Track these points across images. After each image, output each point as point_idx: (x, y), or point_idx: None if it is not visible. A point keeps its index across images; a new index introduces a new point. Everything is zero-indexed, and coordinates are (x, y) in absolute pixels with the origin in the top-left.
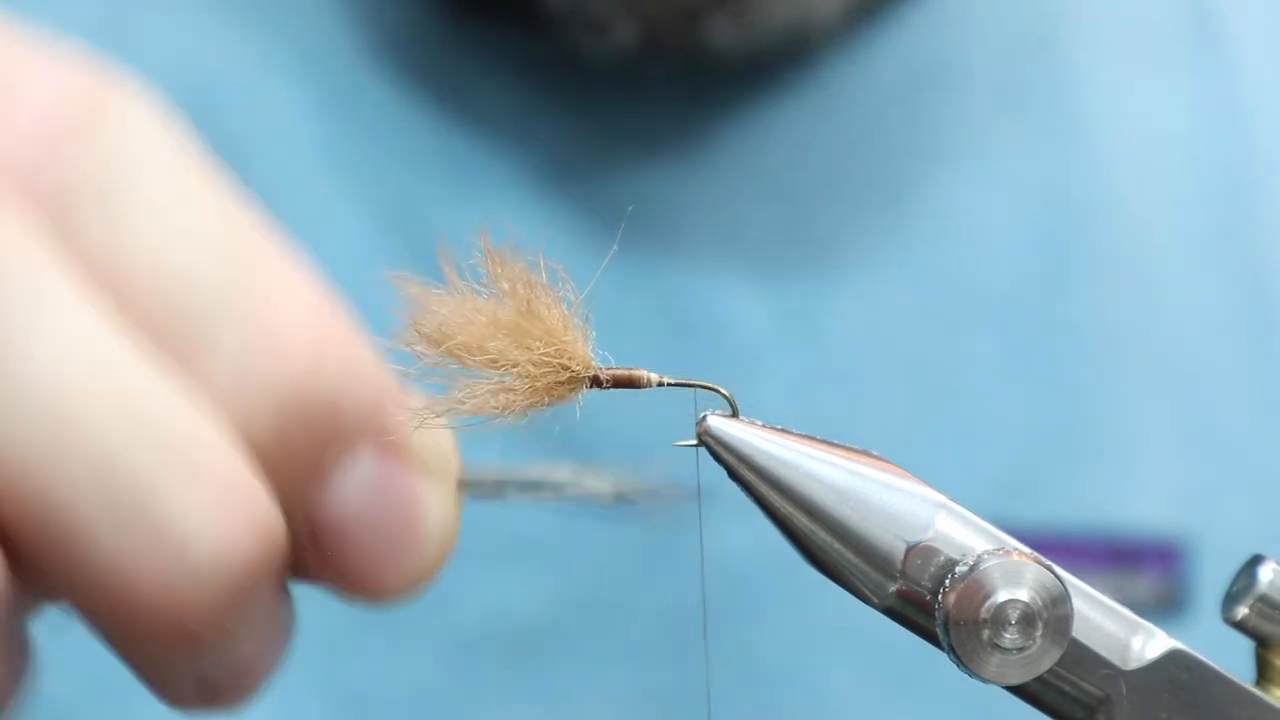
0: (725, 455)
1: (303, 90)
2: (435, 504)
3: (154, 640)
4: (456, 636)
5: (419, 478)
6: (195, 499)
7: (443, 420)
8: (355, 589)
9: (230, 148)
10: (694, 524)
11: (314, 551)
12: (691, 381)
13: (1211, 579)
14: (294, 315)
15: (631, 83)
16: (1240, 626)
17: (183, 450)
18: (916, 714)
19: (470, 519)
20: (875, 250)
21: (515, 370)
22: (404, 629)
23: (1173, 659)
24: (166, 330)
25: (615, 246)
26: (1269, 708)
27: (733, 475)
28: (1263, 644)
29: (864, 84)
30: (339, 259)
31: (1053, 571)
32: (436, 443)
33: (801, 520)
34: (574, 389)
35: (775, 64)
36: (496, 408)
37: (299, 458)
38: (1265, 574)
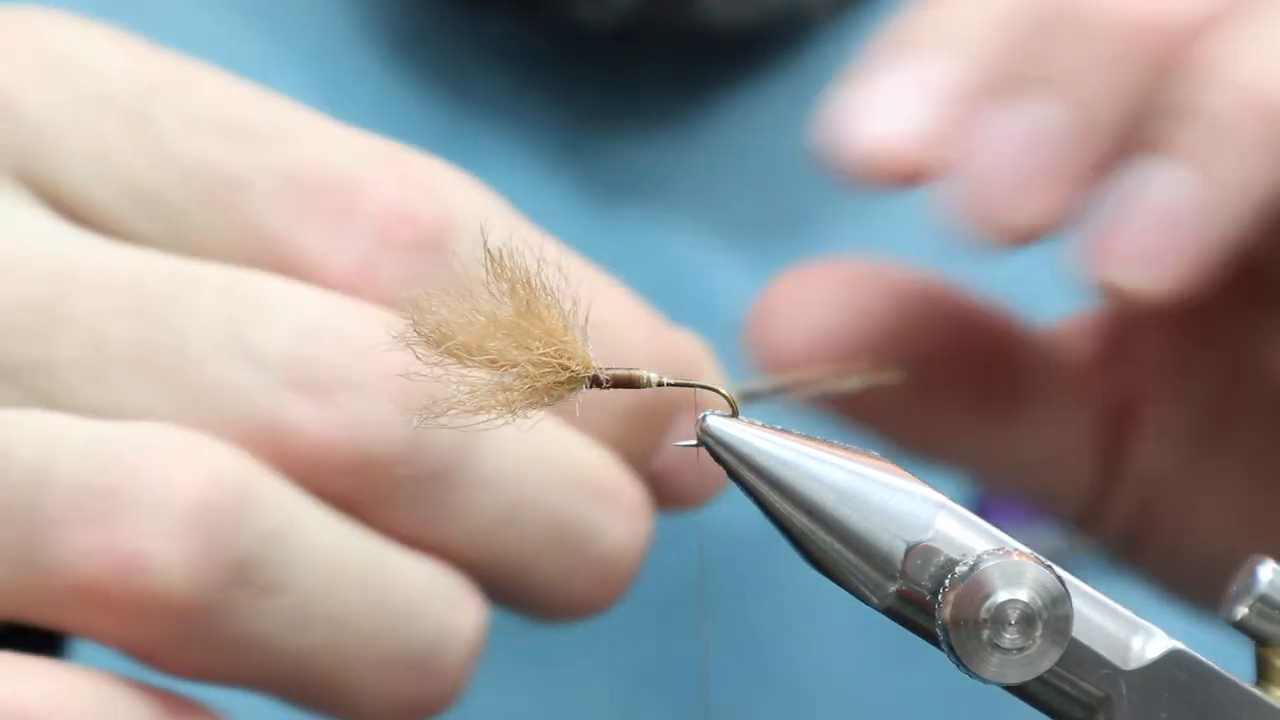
0: (725, 455)
1: (302, 79)
2: None
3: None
4: None
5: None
6: (614, 523)
7: (441, 420)
8: (679, 506)
9: None
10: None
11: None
12: (691, 382)
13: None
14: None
15: (627, 57)
16: (1240, 626)
17: (600, 489)
18: (913, 683)
19: None
20: (859, 229)
21: (515, 370)
22: None
23: (1173, 659)
24: None
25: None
26: (1269, 708)
27: (732, 475)
28: (1263, 644)
29: (844, 59)
30: None
31: (1053, 572)
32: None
33: (801, 520)
34: (574, 389)
35: (770, 42)
36: (496, 407)
37: (647, 447)
38: (1265, 574)
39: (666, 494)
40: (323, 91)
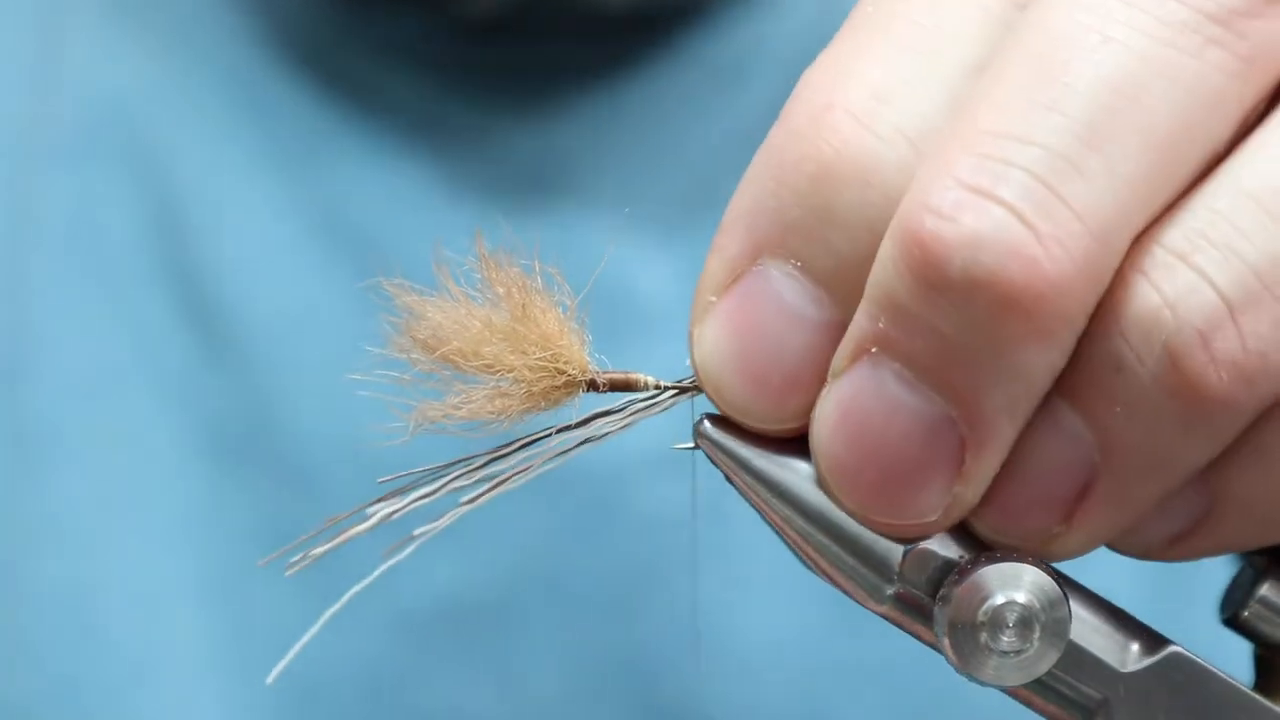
0: (721, 459)
1: (212, 94)
2: None
3: None
4: (404, 618)
5: None
6: None
7: (438, 426)
8: None
9: (151, 157)
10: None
11: None
12: (690, 385)
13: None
14: None
15: (519, 42)
16: (1239, 628)
17: None
18: (866, 650)
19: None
20: None
21: (511, 375)
22: (350, 612)
23: (1171, 661)
24: None
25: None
26: (1267, 710)
27: (729, 478)
28: (1261, 646)
29: (755, 46)
30: (269, 256)
31: (1050, 574)
32: None
33: (798, 523)
34: (570, 393)
35: (666, 24)
36: (492, 413)
37: None
38: (1264, 576)
39: None
40: (217, 96)
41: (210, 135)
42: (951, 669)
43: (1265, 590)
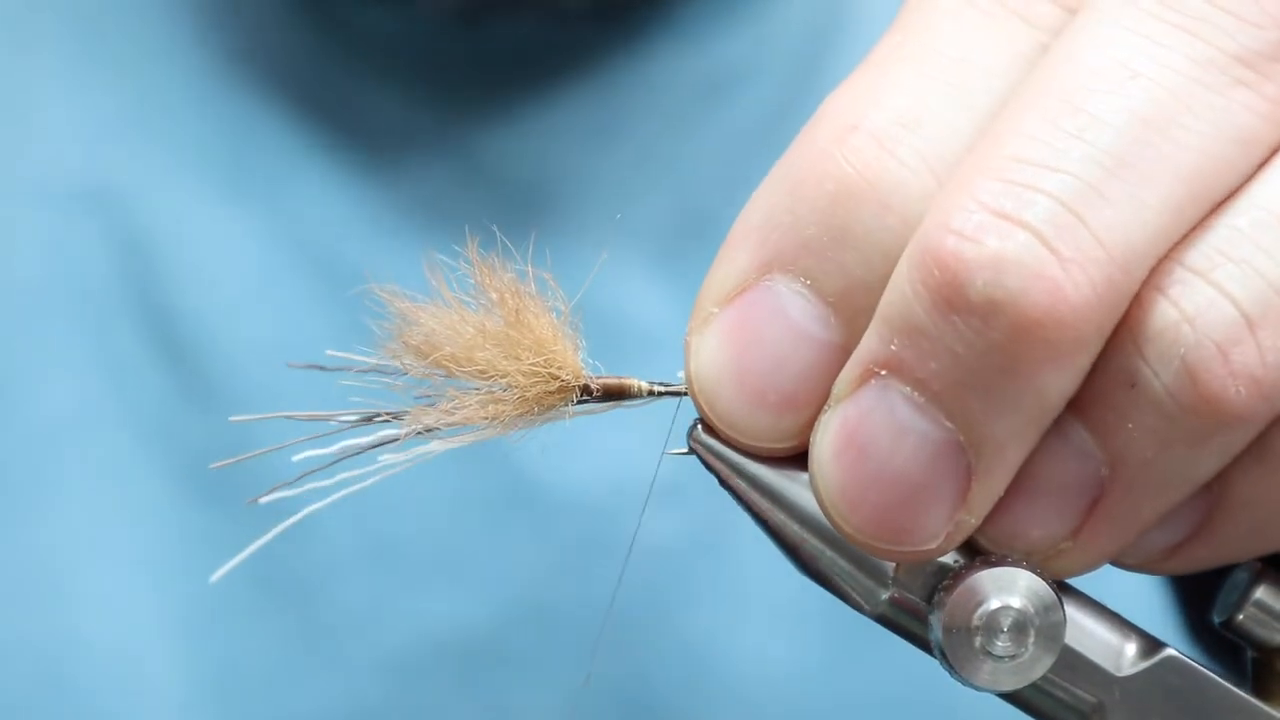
0: (716, 463)
1: (178, 123)
2: None
3: None
4: (393, 657)
5: None
6: None
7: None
8: None
9: (120, 192)
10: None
11: None
12: (684, 390)
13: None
14: None
15: (493, 34)
16: (1235, 632)
17: None
18: (867, 683)
19: (395, 537)
20: None
21: (505, 380)
22: (340, 651)
23: (1166, 665)
24: None
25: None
26: (1262, 713)
27: (723, 483)
28: (1258, 649)
29: (740, 37)
30: (244, 286)
31: (1045, 579)
32: None
33: (793, 529)
34: (564, 398)
35: (628, 10)
36: (486, 418)
37: None
38: (1260, 579)
39: None
40: (184, 125)
41: (178, 165)
42: (959, 692)
43: (1260, 594)
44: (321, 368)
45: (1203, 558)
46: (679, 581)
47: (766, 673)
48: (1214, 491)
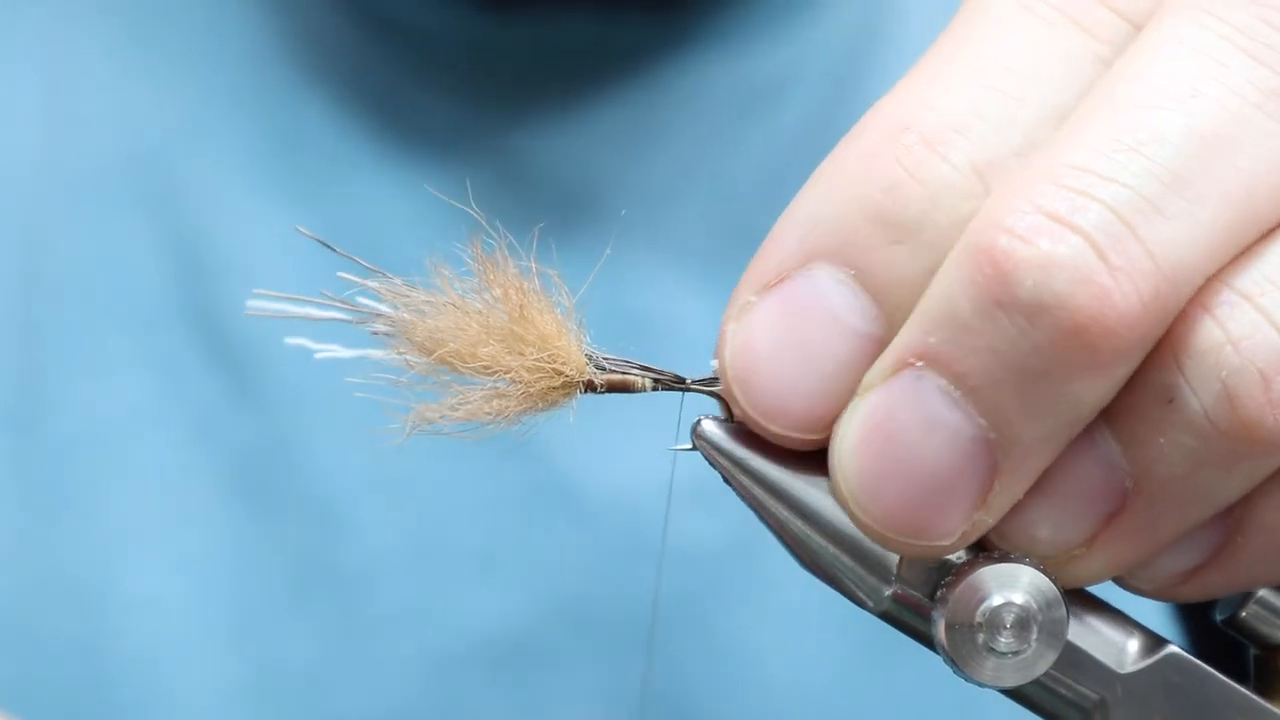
0: (719, 459)
1: (229, 123)
2: None
3: None
4: (434, 654)
5: None
6: None
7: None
8: None
9: (170, 193)
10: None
11: None
12: (686, 385)
13: None
14: None
15: (540, 25)
16: (1238, 629)
17: None
18: (887, 683)
19: (436, 537)
20: None
21: (509, 376)
22: (381, 649)
23: (1168, 662)
24: None
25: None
26: (1265, 710)
27: (727, 479)
28: (1260, 647)
29: (799, 41)
30: (293, 288)
31: (1048, 575)
32: None
33: (797, 524)
34: (568, 394)
35: (675, 14)
36: (490, 414)
37: None
38: None
39: None
40: (234, 124)
41: (229, 165)
42: (996, 700)
43: (1263, 591)
44: (330, 246)
45: (1217, 584)
46: (717, 583)
47: (803, 677)
48: (1234, 516)
